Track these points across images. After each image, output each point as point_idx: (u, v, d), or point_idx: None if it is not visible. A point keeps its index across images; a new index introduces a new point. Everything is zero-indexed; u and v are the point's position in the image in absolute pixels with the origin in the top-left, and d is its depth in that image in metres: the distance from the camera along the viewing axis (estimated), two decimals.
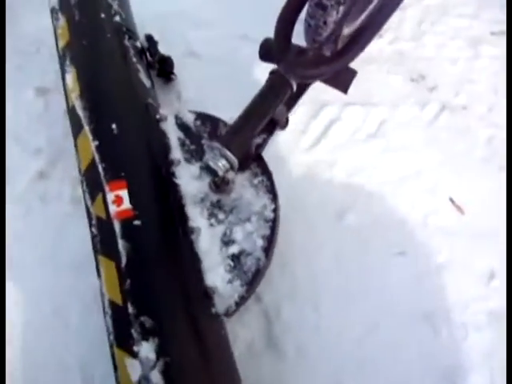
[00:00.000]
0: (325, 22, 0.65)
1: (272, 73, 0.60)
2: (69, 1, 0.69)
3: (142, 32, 0.80)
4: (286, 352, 0.63)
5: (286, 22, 0.63)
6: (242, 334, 0.63)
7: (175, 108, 0.71)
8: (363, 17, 0.70)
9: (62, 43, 0.66)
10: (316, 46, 0.63)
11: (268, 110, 0.58)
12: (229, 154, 0.55)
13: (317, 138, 0.78)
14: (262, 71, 0.67)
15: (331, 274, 0.68)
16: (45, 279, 0.70)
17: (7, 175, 0.77)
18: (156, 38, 0.83)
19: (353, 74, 0.61)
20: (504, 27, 0.89)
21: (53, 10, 0.71)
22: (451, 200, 0.73)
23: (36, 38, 0.93)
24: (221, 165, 0.55)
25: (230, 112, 0.78)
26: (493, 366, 0.63)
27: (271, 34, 0.63)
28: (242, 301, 0.55)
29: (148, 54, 0.74)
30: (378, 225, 0.72)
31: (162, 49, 0.83)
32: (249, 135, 0.57)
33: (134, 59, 0.68)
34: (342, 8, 0.63)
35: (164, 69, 0.78)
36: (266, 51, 0.65)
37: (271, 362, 0.64)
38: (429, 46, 0.87)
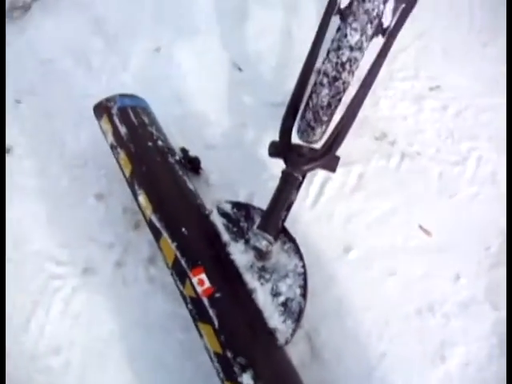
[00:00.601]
0: (314, 133, 0.91)
1: (283, 172, 0.86)
2: (122, 138, 0.95)
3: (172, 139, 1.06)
4: (327, 359, 0.90)
5: (286, 130, 0.89)
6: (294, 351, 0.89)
7: (215, 200, 0.96)
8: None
9: (127, 172, 0.92)
10: (309, 144, 0.90)
11: (287, 199, 0.84)
12: (267, 235, 0.81)
13: (315, 197, 1.05)
14: (263, 151, 0.93)
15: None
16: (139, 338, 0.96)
17: (95, 268, 1.02)
18: (179, 137, 1.10)
19: (338, 159, 0.88)
20: (439, 83, 1.17)
21: (112, 146, 0.97)
22: (420, 227, 1.01)
23: (81, 153, 1.18)
24: (264, 244, 0.82)
25: (249, 187, 1.05)
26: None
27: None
28: (294, 332, 0.81)
29: (184, 161, 1.00)
30: (372, 252, 1.00)
31: (185, 144, 1.09)
32: (277, 219, 0.84)
33: (180, 171, 0.94)
34: (325, 126, 0.90)
35: (194, 166, 1.05)
36: (274, 151, 0.92)
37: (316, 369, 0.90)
38: (384, 108, 1.14)
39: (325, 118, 0.83)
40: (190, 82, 1.22)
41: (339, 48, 0.73)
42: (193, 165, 1.04)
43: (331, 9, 0.85)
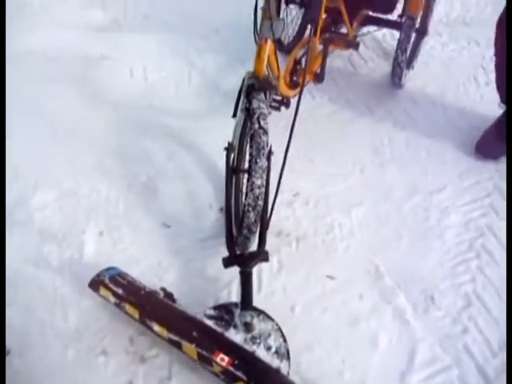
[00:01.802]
0: (249, 241, 1.42)
1: (241, 272, 1.33)
2: (122, 296, 1.33)
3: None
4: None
5: (231, 247, 1.38)
6: None
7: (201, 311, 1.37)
8: None
9: (136, 316, 1.29)
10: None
11: (251, 287, 1.31)
12: (249, 312, 1.26)
13: (259, 282, 1.53)
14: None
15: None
16: None
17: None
18: None
19: (267, 252, 1.38)
20: (297, 190, 1.80)
21: (116, 304, 1.33)
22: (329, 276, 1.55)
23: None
24: (249, 318, 1.26)
25: None
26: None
27: None
28: (289, 366, 1.24)
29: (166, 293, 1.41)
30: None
31: None
32: (251, 301, 1.30)
33: (169, 302, 1.35)
34: (256, 235, 1.42)
35: (172, 297, 1.45)
36: (228, 263, 1.36)
37: None
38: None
39: (255, 229, 1.35)
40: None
41: (252, 189, 1.27)
42: (170, 296, 1.45)
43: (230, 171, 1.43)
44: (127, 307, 1.31)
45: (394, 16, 2.04)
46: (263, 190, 1.27)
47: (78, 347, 1.42)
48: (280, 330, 1.31)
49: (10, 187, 1.84)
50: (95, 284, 1.37)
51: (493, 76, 1.89)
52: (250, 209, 1.27)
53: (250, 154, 1.27)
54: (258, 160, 1.25)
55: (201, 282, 1.55)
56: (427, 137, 1.98)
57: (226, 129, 1.94)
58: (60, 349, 1.42)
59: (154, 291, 1.39)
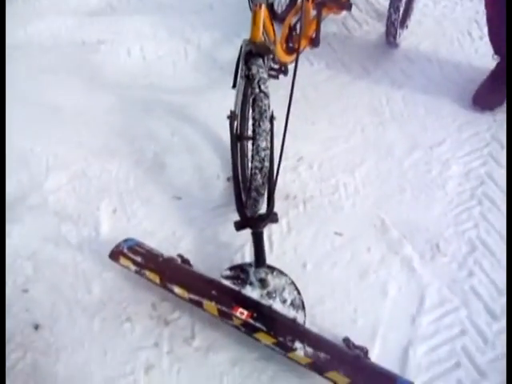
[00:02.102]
0: (258, 203, 1.48)
1: (253, 233, 1.39)
2: (141, 263, 1.40)
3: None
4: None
5: (241, 210, 1.44)
6: None
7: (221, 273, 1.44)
8: None
9: (157, 280, 1.36)
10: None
11: (263, 246, 1.38)
12: (263, 268, 1.33)
13: (270, 240, 1.60)
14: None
15: None
16: None
17: None
18: None
19: (277, 214, 1.44)
20: (301, 155, 1.85)
21: (136, 272, 1.40)
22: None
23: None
24: (264, 274, 1.33)
25: None
26: None
27: None
28: (305, 316, 1.31)
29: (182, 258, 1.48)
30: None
31: None
32: (264, 259, 1.36)
33: (187, 266, 1.42)
34: (264, 197, 1.47)
35: (188, 262, 1.52)
36: (239, 226, 1.41)
37: None
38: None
39: (263, 191, 1.40)
40: None
41: (258, 152, 1.32)
42: (187, 262, 1.51)
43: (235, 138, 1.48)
44: (148, 273, 1.38)
45: None
46: (268, 152, 1.32)
47: (103, 316, 1.49)
48: (293, 283, 1.38)
49: (21, 174, 1.90)
50: (115, 254, 1.44)
51: (486, 30, 1.91)
52: (257, 171, 1.32)
53: (253, 118, 1.32)
54: (261, 123, 1.30)
55: (214, 247, 1.61)
56: (424, 93, 2.01)
57: (226, 100, 1.99)
58: (86, 319, 1.50)
59: (171, 257, 1.46)
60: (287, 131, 1.31)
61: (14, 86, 2.24)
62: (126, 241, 1.49)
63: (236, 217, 1.47)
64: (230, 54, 2.31)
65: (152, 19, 2.57)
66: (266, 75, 1.36)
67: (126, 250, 1.44)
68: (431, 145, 1.82)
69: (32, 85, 2.27)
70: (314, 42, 1.80)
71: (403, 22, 2.13)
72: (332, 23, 2.32)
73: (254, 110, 1.32)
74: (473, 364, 1.29)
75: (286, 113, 1.30)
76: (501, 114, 1.87)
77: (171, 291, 1.36)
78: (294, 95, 1.31)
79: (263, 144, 1.31)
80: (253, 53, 1.39)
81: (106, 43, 2.47)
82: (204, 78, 2.23)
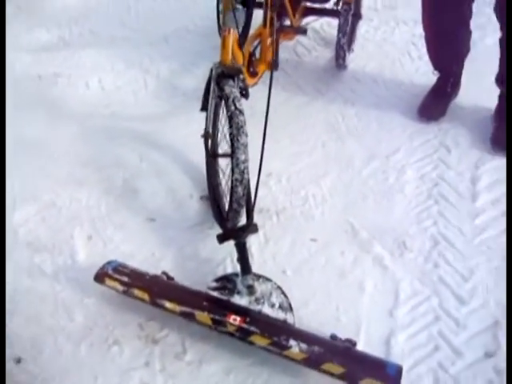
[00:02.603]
0: (239, 215, 1.54)
1: (236, 244, 1.45)
2: (127, 283, 1.41)
3: None
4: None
5: (223, 223, 1.49)
6: None
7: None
8: None
9: (146, 298, 1.37)
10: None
11: (247, 255, 1.44)
12: (250, 275, 1.39)
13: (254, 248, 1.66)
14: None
15: None
16: None
17: None
18: None
19: (256, 225, 1.51)
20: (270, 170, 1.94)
21: (124, 292, 1.41)
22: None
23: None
24: (251, 280, 1.38)
25: None
26: None
27: None
28: (293, 316, 1.37)
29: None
30: None
31: None
32: (249, 268, 1.42)
33: (172, 281, 1.45)
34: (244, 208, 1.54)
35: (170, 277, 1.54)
36: (222, 238, 1.47)
37: None
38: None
39: (243, 203, 1.47)
40: None
41: (237, 165, 1.39)
42: (172, 280, 1.54)
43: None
44: (136, 292, 1.40)
45: (329, 5, 2.26)
46: (247, 164, 1.40)
47: (89, 342, 1.48)
48: (279, 288, 1.44)
49: None
50: (100, 276, 1.44)
51: (424, 50, 2.12)
52: (238, 183, 1.39)
53: (231, 134, 1.40)
54: (239, 138, 1.38)
55: (196, 264, 1.65)
56: (375, 109, 2.19)
57: (190, 124, 2.09)
58: (72, 347, 1.47)
59: (156, 275, 1.48)
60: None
61: None
62: (109, 263, 1.50)
63: (213, 233, 1.53)
64: (190, 81, 2.41)
65: (107, 52, 2.63)
66: (238, 94, 1.46)
67: (110, 272, 1.45)
68: (387, 154, 1.97)
69: None
70: (274, 66, 1.92)
71: (349, 46, 2.32)
72: (284, 50, 2.47)
73: (230, 127, 1.41)
74: (449, 345, 1.39)
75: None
76: (445, 123, 2.06)
77: (161, 306, 1.38)
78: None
79: (242, 157, 1.39)
80: (224, 74, 1.48)
81: (62, 76, 2.49)
82: (166, 104, 2.30)
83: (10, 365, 1.44)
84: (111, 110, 2.28)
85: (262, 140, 1.40)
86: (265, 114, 1.38)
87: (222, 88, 1.47)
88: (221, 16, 1.52)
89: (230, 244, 1.49)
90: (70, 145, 2.12)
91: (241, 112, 1.41)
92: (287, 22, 2.16)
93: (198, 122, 1.98)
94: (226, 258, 1.65)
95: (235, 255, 1.58)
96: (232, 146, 1.40)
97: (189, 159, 2.02)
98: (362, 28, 2.61)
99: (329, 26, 2.65)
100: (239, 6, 1.47)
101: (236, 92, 1.45)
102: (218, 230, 1.56)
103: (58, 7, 3.03)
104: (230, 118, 1.40)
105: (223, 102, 1.47)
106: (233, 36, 1.50)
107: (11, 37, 2.75)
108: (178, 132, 2.13)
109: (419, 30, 2.45)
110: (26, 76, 2.52)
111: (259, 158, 1.40)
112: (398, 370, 1.21)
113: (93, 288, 1.55)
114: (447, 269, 1.59)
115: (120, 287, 1.42)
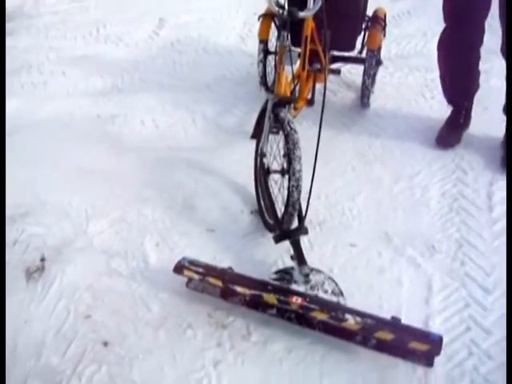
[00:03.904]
0: (293, 219, 1.81)
1: (291, 242, 1.72)
2: (202, 272, 1.67)
3: None
4: None
5: (278, 226, 1.76)
6: None
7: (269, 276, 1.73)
8: None
9: (220, 283, 1.63)
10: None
11: (301, 249, 1.70)
12: (306, 265, 1.64)
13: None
14: None
15: None
16: None
17: None
18: None
19: (306, 228, 1.78)
20: None
21: (200, 280, 1.66)
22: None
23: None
24: (307, 269, 1.64)
25: None
26: None
27: None
28: (344, 298, 1.61)
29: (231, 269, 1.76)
30: None
31: None
32: (304, 259, 1.68)
33: (239, 273, 1.70)
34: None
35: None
36: (278, 239, 1.75)
37: None
38: None
39: (297, 206, 1.75)
40: None
41: (294, 174, 1.69)
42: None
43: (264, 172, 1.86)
44: (211, 279, 1.65)
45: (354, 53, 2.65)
46: (302, 173, 1.70)
47: (166, 328, 1.71)
48: (331, 277, 1.69)
49: (63, 224, 2.14)
50: (179, 268, 1.70)
51: (436, 92, 2.47)
52: (294, 189, 1.69)
53: (288, 149, 1.71)
54: (295, 151, 1.69)
55: (252, 265, 1.90)
56: (397, 140, 2.51)
57: (235, 154, 2.43)
58: (152, 332, 1.71)
59: (224, 268, 1.74)
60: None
61: (43, 153, 2.54)
62: (183, 258, 1.76)
63: (264, 241, 1.84)
64: (231, 120, 2.76)
65: (157, 96, 3.00)
66: (291, 118, 1.78)
67: (187, 264, 1.71)
68: (410, 176, 2.27)
69: (59, 152, 2.57)
70: (310, 102, 2.27)
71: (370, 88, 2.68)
72: None
73: (287, 143, 1.72)
74: (479, 326, 1.62)
75: None
76: (460, 150, 2.38)
77: (233, 292, 1.63)
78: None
79: (298, 167, 1.69)
80: (280, 103, 1.81)
81: (119, 116, 2.85)
82: (213, 139, 2.64)
83: (98, 347, 1.67)
84: (166, 144, 2.61)
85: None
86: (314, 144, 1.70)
87: (278, 114, 1.79)
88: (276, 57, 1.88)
89: (280, 248, 1.78)
90: (132, 172, 2.43)
91: (295, 131, 1.73)
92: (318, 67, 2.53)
93: (240, 152, 2.37)
94: (277, 260, 1.91)
95: (285, 258, 1.86)
96: (289, 158, 1.71)
97: (236, 181, 2.32)
98: (379, 74, 2.98)
99: (349, 73, 3.03)
100: (294, 49, 1.82)
101: (290, 116, 1.77)
102: (269, 239, 1.85)
103: (109, 59, 3.45)
104: (287, 136, 1.72)
105: (279, 124, 1.79)
106: (285, 74, 1.84)
107: (69, 84, 3.16)
108: (225, 160, 2.44)
109: (430, 75, 2.86)
110: (86, 116, 2.88)
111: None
112: (440, 338, 1.44)
113: (166, 284, 1.82)
114: (472, 266, 1.84)
115: (196, 276, 1.67)
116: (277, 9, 1.71)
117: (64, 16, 4.18)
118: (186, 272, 1.69)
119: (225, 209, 2.19)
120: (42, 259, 1.98)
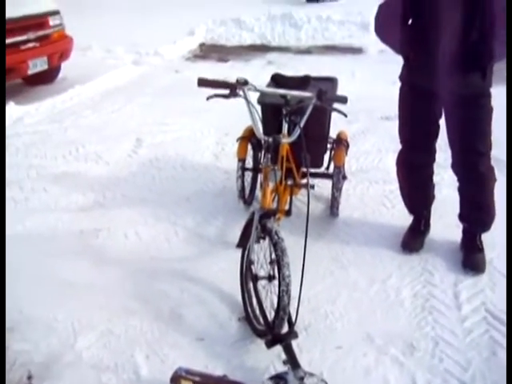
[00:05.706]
0: (286, 315, 1.91)
1: (283, 346, 1.80)
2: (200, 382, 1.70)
3: None
4: None
5: (269, 331, 1.85)
6: None
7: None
8: None
9: None
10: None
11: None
12: (301, 369, 1.71)
13: None
14: None
15: None
16: None
17: None
18: None
19: (296, 333, 1.88)
20: None
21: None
22: None
23: None
24: (301, 373, 1.71)
25: None
26: None
27: None
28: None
29: None
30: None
31: None
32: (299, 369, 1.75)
33: None
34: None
35: None
36: (270, 344, 1.84)
37: None
38: None
39: (288, 311, 1.86)
40: None
41: (284, 279, 1.84)
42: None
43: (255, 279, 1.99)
44: None
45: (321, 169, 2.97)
46: (291, 278, 1.85)
47: None
48: (323, 380, 1.76)
49: (50, 339, 2.14)
50: (176, 379, 1.73)
51: (396, 201, 2.78)
52: (284, 293, 1.82)
53: (277, 255, 1.88)
54: (283, 258, 1.86)
55: (244, 373, 1.95)
56: (366, 246, 2.74)
57: (219, 263, 2.56)
58: None
59: (220, 376, 1.78)
60: None
61: (25, 268, 2.57)
62: (179, 368, 1.80)
63: (253, 347, 1.93)
64: (214, 230, 2.94)
65: (139, 210, 3.16)
66: (278, 227, 1.97)
67: (184, 374, 1.74)
68: (383, 279, 2.46)
69: (42, 266, 2.62)
70: (288, 213, 2.50)
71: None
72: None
73: (276, 250, 1.89)
74: None
75: None
76: (424, 254, 2.62)
77: None
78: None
79: (287, 272, 1.85)
80: (266, 214, 2.02)
81: (102, 230, 2.96)
82: (195, 248, 2.77)
83: None
84: (150, 255, 2.72)
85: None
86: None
87: (265, 224, 1.99)
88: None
89: (270, 354, 1.85)
90: (117, 283, 2.49)
91: (282, 239, 1.91)
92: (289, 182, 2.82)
93: (224, 261, 2.51)
94: (268, 366, 1.97)
95: (276, 363, 1.93)
96: (278, 264, 1.87)
97: (222, 289, 2.42)
98: (344, 186, 3.31)
99: (317, 186, 3.34)
100: (276, 168, 2.08)
101: (276, 226, 1.97)
102: (258, 345, 1.94)
103: (90, 176, 3.64)
104: (275, 245, 1.90)
105: (267, 234, 1.97)
106: (271, 188, 2.07)
107: (50, 200, 3.28)
108: (210, 269, 2.57)
109: (389, 187, 3.21)
110: (69, 231, 2.98)
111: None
112: None
113: None
114: (450, 362, 1.97)
115: None
116: (263, 137, 1.99)
117: (43, 136, 4.44)
118: (184, 382, 1.72)
119: (212, 317, 2.26)
120: (29, 377, 1.95)
